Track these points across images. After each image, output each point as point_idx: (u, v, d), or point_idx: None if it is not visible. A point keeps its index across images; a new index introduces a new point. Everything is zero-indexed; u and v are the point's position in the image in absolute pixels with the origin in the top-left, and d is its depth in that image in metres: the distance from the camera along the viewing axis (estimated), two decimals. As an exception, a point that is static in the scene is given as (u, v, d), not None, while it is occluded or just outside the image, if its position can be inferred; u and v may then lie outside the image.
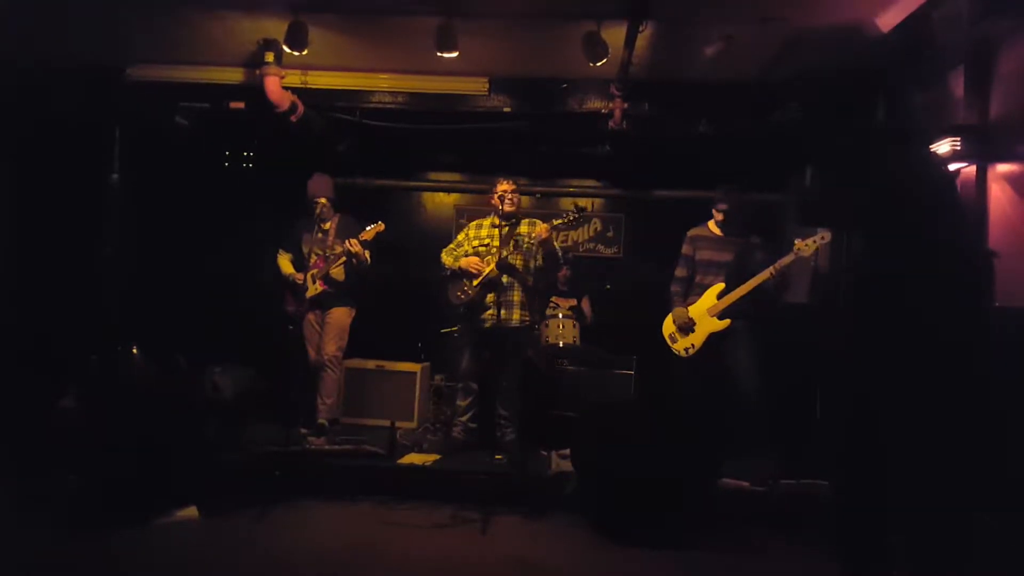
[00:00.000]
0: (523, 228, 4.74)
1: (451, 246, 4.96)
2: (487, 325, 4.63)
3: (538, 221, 4.69)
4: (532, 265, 4.78)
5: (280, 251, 5.11)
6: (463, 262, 4.73)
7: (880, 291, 2.79)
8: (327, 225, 5.00)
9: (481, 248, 4.80)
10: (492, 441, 4.75)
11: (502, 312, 4.60)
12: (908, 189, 2.85)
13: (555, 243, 4.66)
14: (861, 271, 3.08)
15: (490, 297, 4.61)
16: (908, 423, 2.64)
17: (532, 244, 4.66)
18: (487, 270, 4.64)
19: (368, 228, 4.80)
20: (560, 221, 4.60)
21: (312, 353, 4.98)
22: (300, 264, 4.98)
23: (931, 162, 3.19)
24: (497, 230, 4.78)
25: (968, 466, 2.63)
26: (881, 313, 2.74)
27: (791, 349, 4.93)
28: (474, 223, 4.99)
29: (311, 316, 4.99)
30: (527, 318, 4.79)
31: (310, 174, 5.05)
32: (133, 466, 3.68)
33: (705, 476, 3.83)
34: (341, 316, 4.97)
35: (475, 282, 4.67)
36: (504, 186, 4.75)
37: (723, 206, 4.60)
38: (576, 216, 4.61)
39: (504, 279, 4.67)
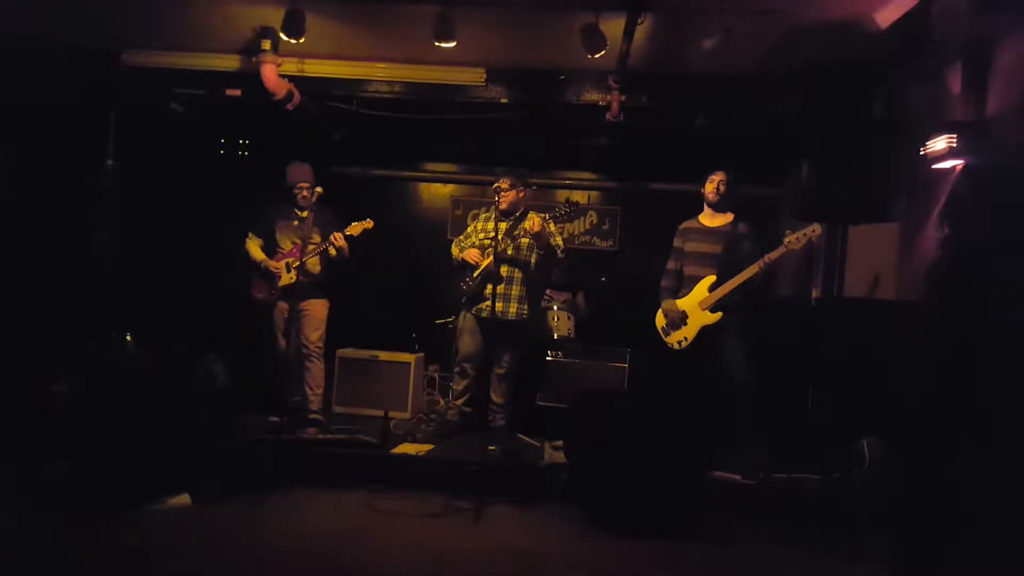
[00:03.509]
0: (527, 223, 4.78)
1: (460, 238, 5.10)
2: (484, 316, 4.80)
3: (535, 215, 4.73)
4: (532, 259, 4.85)
5: (250, 235, 5.01)
6: (464, 254, 4.89)
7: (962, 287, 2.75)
8: (304, 213, 4.90)
9: (486, 241, 4.88)
10: (485, 427, 4.78)
11: (499, 304, 4.71)
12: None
13: (548, 235, 4.71)
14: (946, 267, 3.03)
15: (489, 289, 4.71)
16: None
17: (528, 237, 4.72)
18: (485, 262, 4.75)
19: (355, 224, 4.78)
20: (550, 215, 4.71)
21: (283, 342, 4.82)
22: (271, 250, 4.94)
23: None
24: (503, 224, 4.87)
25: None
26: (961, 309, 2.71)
27: (783, 342, 4.95)
28: (483, 215, 5.15)
29: (282, 305, 4.87)
30: (525, 312, 4.85)
31: (305, 162, 5.01)
32: (126, 453, 3.67)
33: (696, 468, 3.85)
34: (319, 307, 4.95)
35: (475, 273, 4.82)
36: (499, 184, 4.86)
37: (719, 177, 4.59)
38: (567, 210, 4.71)
39: (504, 272, 4.77)
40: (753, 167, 5.53)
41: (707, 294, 4.50)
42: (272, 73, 5.26)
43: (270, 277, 4.89)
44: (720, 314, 4.44)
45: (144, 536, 3.39)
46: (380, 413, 4.84)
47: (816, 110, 4.89)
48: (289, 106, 5.49)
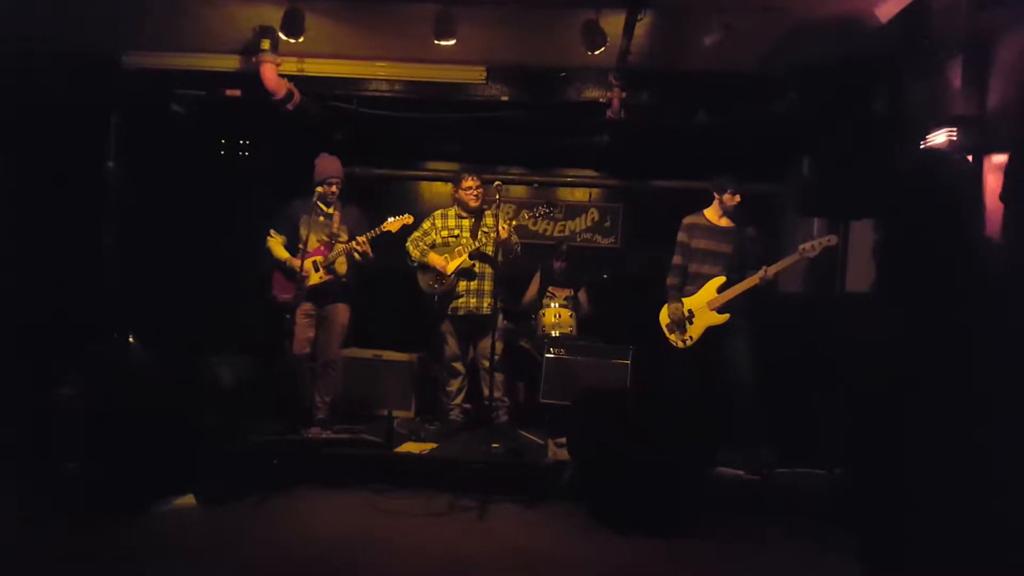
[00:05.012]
0: (488, 220, 4.89)
1: (416, 235, 5.02)
2: (461, 313, 4.89)
3: (500, 216, 4.73)
4: (499, 255, 4.87)
5: (272, 232, 4.81)
6: (430, 259, 4.86)
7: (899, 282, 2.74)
8: (331, 210, 4.78)
9: (451, 239, 4.94)
10: (488, 424, 4.79)
11: (473, 300, 4.86)
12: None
13: (513, 241, 4.82)
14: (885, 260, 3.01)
15: (463, 285, 4.86)
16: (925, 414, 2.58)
17: (496, 237, 4.71)
18: (460, 260, 4.81)
19: (392, 220, 4.72)
20: (530, 215, 5.01)
21: (297, 345, 4.70)
22: (294, 248, 4.71)
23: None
24: (466, 220, 4.97)
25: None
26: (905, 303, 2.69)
27: (787, 338, 4.95)
28: (438, 212, 5.12)
29: (304, 306, 4.70)
30: (497, 305, 4.90)
31: (306, 162, 4.89)
32: (131, 454, 3.68)
33: (701, 465, 3.86)
34: (343, 313, 4.82)
35: (449, 270, 4.82)
36: (470, 182, 4.94)
37: (733, 191, 4.58)
38: (546, 211, 4.97)
39: (476, 268, 4.85)
40: (754, 164, 5.52)
41: (716, 295, 4.48)
42: (272, 73, 5.25)
43: (296, 276, 4.66)
44: (728, 315, 4.43)
45: (148, 536, 3.39)
46: (384, 412, 4.85)
47: (817, 107, 4.89)
48: (289, 106, 5.48)
